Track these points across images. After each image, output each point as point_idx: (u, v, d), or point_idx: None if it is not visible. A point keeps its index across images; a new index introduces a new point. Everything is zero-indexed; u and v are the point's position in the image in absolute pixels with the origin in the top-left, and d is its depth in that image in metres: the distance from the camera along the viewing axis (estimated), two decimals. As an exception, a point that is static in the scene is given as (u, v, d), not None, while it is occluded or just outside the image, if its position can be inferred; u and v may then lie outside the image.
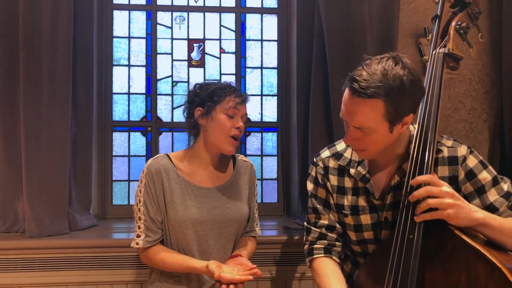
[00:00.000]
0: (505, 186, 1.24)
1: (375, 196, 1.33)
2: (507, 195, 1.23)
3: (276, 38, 2.61)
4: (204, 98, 1.59)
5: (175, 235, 1.56)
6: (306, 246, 1.46)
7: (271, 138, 2.64)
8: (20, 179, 2.09)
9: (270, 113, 2.63)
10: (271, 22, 2.62)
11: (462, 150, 1.27)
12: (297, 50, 2.40)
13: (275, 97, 2.62)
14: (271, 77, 2.63)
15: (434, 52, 1.31)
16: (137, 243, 1.55)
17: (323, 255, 1.40)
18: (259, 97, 2.62)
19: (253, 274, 1.39)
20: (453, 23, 1.32)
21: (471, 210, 1.11)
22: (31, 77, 2.07)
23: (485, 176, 1.24)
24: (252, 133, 2.62)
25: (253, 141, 2.63)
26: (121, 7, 2.55)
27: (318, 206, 1.45)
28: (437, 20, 1.34)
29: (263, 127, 2.63)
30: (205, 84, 1.65)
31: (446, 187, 1.12)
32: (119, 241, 2.08)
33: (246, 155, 2.60)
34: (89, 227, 2.23)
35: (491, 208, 1.21)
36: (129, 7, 2.56)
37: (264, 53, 2.63)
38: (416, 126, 1.27)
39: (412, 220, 1.15)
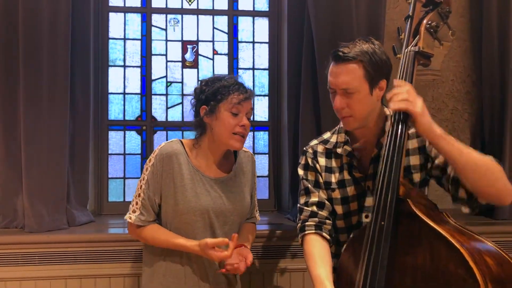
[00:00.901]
0: None
1: (358, 170, 1.52)
2: None
3: (267, 40, 2.70)
4: (209, 96, 1.58)
5: (180, 221, 1.58)
6: (299, 225, 1.56)
7: (262, 137, 2.72)
8: (19, 176, 2.15)
9: (262, 113, 2.72)
10: (263, 25, 2.72)
11: None
12: (288, 52, 2.50)
13: (267, 97, 2.71)
14: (263, 78, 2.72)
15: (406, 50, 1.40)
16: (130, 218, 1.59)
17: (313, 231, 1.50)
18: (251, 97, 2.72)
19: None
20: (424, 22, 1.40)
21: (432, 122, 1.26)
22: (31, 77, 2.13)
23: None
24: (244, 132, 2.71)
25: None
26: (116, 9, 2.62)
27: (309, 185, 1.57)
28: (409, 20, 1.42)
29: (255, 126, 2.71)
30: (211, 81, 1.63)
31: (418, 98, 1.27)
32: (116, 235, 2.15)
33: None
34: (86, 222, 2.30)
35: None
36: (125, 10, 2.63)
37: (256, 54, 2.72)
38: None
39: (384, 207, 1.25)
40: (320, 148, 1.60)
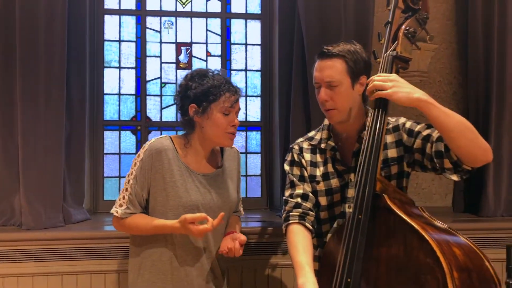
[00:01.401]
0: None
1: (340, 164, 1.62)
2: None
3: (259, 42, 2.77)
4: (199, 96, 1.58)
5: (170, 216, 1.58)
6: (283, 215, 1.63)
7: (255, 137, 2.79)
8: (17, 175, 2.21)
9: (254, 113, 2.78)
10: (255, 27, 2.78)
11: (402, 119, 1.60)
12: (279, 54, 2.56)
13: (259, 98, 2.78)
14: (255, 79, 2.79)
15: (385, 55, 1.48)
16: (117, 211, 1.60)
17: (297, 221, 1.58)
18: (244, 98, 2.77)
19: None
20: (403, 28, 1.47)
21: (410, 92, 1.34)
22: (28, 78, 2.18)
23: (420, 126, 1.53)
24: (237, 131, 2.77)
25: (238, 140, 2.77)
26: (112, 11, 2.68)
27: (294, 179, 1.66)
28: (389, 26, 1.50)
29: (247, 126, 2.78)
30: (197, 76, 1.62)
31: (394, 76, 1.39)
32: (111, 233, 2.19)
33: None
34: (82, 220, 2.36)
35: (427, 137, 1.46)
36: (120, 12, 2.69)
37: (248, 56, 2.79)
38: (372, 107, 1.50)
39: (361, 201, 1.33)
40: (305, 145, 1.70)
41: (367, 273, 1.28)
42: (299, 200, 1.62)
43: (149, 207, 1.65)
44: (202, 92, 1.58)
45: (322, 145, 1.65)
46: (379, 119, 1.42)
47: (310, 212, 1.61)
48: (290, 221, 1.59)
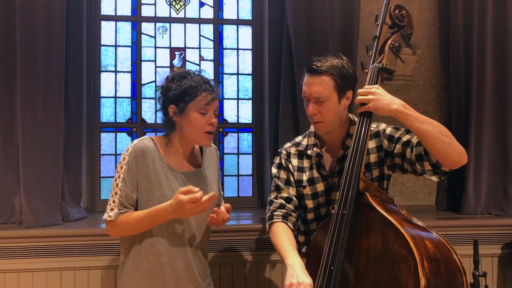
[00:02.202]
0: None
1: (325, 169, 1.72)
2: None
3: (250, 47, 2.87)
4: (177, 96, 1.61)
5: None
6: (268, 214, 1.74)
7: (246, 138, 2.89)
8: (17, 176, 2.30)
9: (246, 115, 2.88)
10: (246, 33, 2.88)
11: (382, 126, 1.71)
12: (269, 58, 2.67)
13: (250, 101, 2.88)
14: (246, 83, 2.89)
15: (372, 66, 1.60)
16: (110, 216, 1.59)
17: (281, 220, 1.69)
18: (236, 100, 2.88)
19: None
20: (389, 42, 1.59)
21: (389, 104, 1.46)
22: (27, 83, 2.28)
23: (399, 132, 1.65)
24: (229, 133, 2.88)
25: (230, 141, 2.88)
26: (108, 18, 2.77)
27: (280, 183, 1.76)
28: (376, 40, 1.61)
29: (239, 128, 2.88)
30: (177, 78, 1.65)
31: (375, 89, 1.49)
32: (107, 230, 2.30)
33: (223, 153, 2.85)
34: (80, 218, 2.45)
35: (407, 143, 1.59)
36: (116, 18, 2.78)
37: (240, 60, 2.89)
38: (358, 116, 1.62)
39: (345, 198, 1.45)
40: (293, 150, 1.79)
41: (349, 262, 1.40)
42: (283, 201, 1.73)
43: (137, 207, 1.65)
44: (180, 93, 1.61)
45: (309, 152, 1.74)
46: (363, 125, 1.53)
47: (293, 213, 1.72)
48: (274, 220, 1.70)
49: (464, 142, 2.62)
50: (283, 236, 1.62)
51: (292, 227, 1.71)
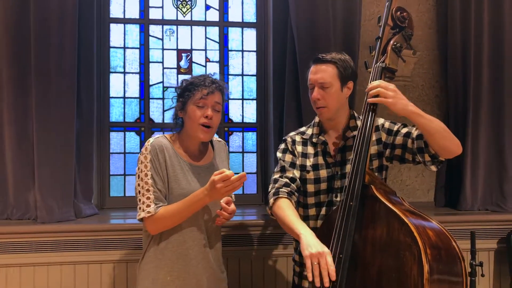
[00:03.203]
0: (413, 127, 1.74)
1: (331, 155, 1.83)
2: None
3: (255, 49, 2.96)
4: (180, 93, 1.76)
5: None
6: (272, 191, 1.78)
7: (251, 137, 2.97)
8: (32, 173, 2.38)
9: (250, 115, 2.97)
10: (251, 35, 2.97)
11: (380, 120, 1.85)
12: (273, 60, 2.76)
13: (255, 101, 2.96)
14: (251, 83, 2.98)
15: (375, 66, 1.68)
16: (149, 212, 1.64)
17: (286, 196, 1.76)
18: (240, 100, 2.97)
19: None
20: (391, 43, 1.67)
21: (407, 104, 1.57)
22: (42, 84, 2.35)
23: (397, 126, 1.80)
24: (234, 132, 2.96)
25: (235, 140, 2.97)
26: (117, 20, 2.85)
27: (285, 165, 1.84)
28: (379, 40, 1.69)
29: (244, 127, 2.97)
30: (185, 80, 1.79)
31: (393, 86, 1.57)
32: (117, 225, 2.37)
33: (229, 152, 2.92)
34: (91, 215, 2.53)
35: (407, 134, 1.72)
36: (124, 21, 2.86)
37: (245, 62, 2.98)
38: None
39: (352, 190, 1.53)
40: (298, 138, 1.92)
41: (356, 250, 1.48)
42: (288, 181, 1.81)
43: None
44: (182, 90, 1.76)
45: (314, 139, 1.86)
46: (369, 119, 1.61)
47: (295, 193, 1.81)
48: (280, 195, 1.75)
49: (461, 141, 2.63)
50: (290, 210, 1.68)
51: (295, 206, 1.77)
